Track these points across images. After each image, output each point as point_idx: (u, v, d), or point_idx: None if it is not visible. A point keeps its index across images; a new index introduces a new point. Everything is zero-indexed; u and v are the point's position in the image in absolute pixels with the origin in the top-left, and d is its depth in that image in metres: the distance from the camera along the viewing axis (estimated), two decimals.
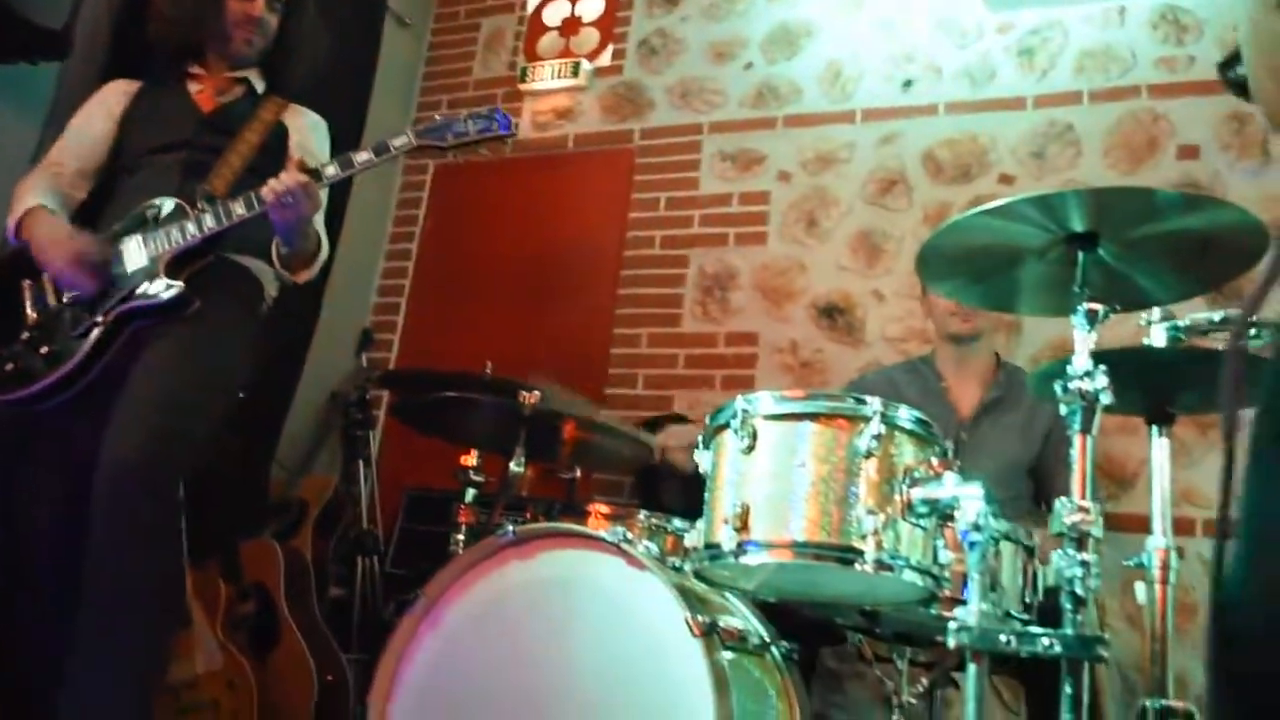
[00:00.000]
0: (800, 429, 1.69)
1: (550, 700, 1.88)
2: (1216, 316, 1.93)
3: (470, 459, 2.65)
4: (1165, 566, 1.88)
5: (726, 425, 1.77)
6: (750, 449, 1.71)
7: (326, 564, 3.69)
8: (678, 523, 2.31)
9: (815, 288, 3.76)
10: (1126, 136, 3.51)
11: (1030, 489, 2.84)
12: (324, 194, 2.37)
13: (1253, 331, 1.86)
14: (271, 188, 2.23)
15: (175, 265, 2.29)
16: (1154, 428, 1.97)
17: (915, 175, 3.77)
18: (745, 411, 1.72)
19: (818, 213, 3.86)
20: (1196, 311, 1.99)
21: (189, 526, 2.20)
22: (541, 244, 4.26)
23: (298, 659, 3.07)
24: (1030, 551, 2.03)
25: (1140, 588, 2.04)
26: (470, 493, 2.64)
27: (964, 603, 1.57)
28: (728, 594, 2.07)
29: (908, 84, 3.87)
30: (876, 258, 3.73)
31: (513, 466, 2.42)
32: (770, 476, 1.68)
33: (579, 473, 3.11)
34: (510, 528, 2.01)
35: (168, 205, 2.31)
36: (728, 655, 1.82)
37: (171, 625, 2.47)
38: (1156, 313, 2.00)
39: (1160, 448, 1.96)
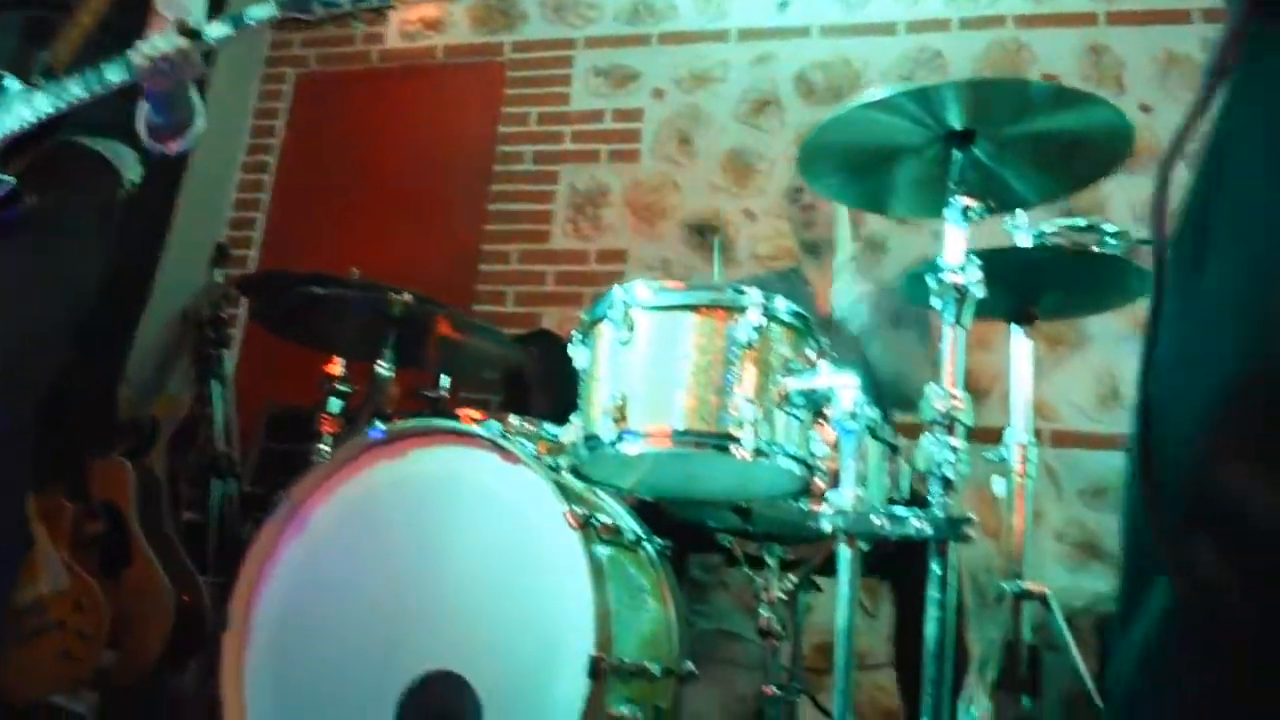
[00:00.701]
0: (679, 319, 1.68)
1: (424, 600, 1.84)
2: (1081, 222, 2.00)
3: (335, 367, 2.57)
4: (1024, 459, 1.96)
5: (604, 318, 1.74)
6: (629, 340, 1.69)
7: (179, 485, 3.54)
8: (550, 427, 2.29)
9: (687, 205, 3.76)
10: (993, 64, 3.59)
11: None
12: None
13: (1109, 236, 1.94)
14: (145, 53, 1.94)
15: (7, 155, 2.05)
16: (1015, 327, 2.04)
17: (788, 96, 3.78)
18: (624, 303, 1.70)
19: (691, 131, 3.84)
20: (1058, 219, 2.07)
21: (33, 447, 2.04)
22: (408, 158, 4.13)
23: (151, 579, 2.94)
24: (895, 450, 2.08)
25: (999, 482, 2.12)
26: (335, 403, 2.56)
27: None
28: (600, 493, 2.06)
29: (783, 4, 3.87)
30: (748, 177, 3.75)
31: (380, 370, 2.35)
32: (649, 367, 1.67)
33: (447, 391, 3.05)
34: (379, 425, 1.95)
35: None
36: (604, 551, 1.82)
37: (13, 548, 2.30)
38: (1022, 218, 2.06)
39: (1021, 346, 2.02)
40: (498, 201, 3.97)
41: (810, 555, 2.28)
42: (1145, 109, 3.48)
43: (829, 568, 2.41)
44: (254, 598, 1.98)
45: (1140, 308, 3.31)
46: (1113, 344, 3.36)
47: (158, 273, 3.82)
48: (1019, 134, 1.74)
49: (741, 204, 3.72)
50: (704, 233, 3.71)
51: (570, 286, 3.79)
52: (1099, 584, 3.15)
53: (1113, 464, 3.28)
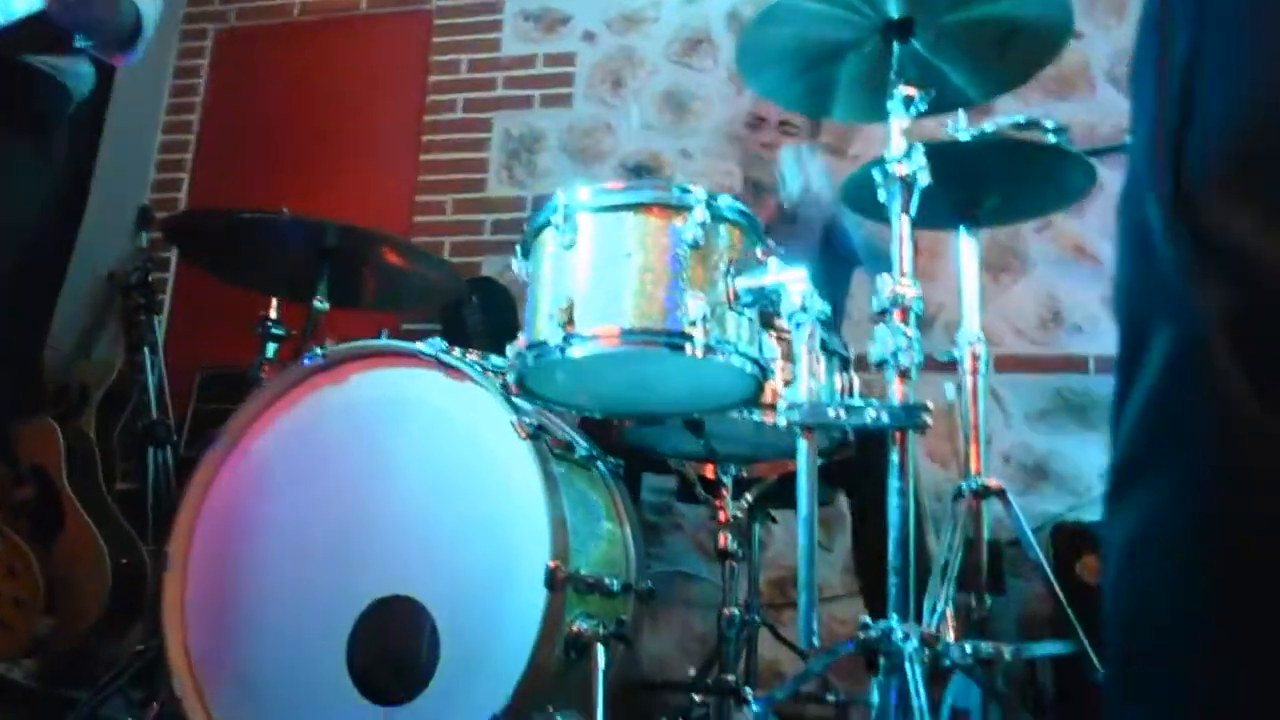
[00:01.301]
0: (624, 220, 1.63)
1: (373, 525, 1.78)
2: (1021, 119, 1.98)
3: (269, 311, 2.48)
4: (975, 358, 1.95)
5: (546, 225, 1.69)
6: (573, 244, 1.64)
7: (113, 454, 3.43)
8: (495, 359, 2.23)
9: (623, 148, 3.71)
10: None
11: None
12: None
13: (1049, 131, 1.93)
14: None
15: None
16: (962, 228, 2.02)
17: (720, 35, 3.74)
18: (567, 206, 1.65)
19: (624, 73, 3.79)
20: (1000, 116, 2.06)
21: None
22: (336, 113, 4.02)
23: (86, 543, 2.85)
24: (846, 363, 2.06)
25: (949, 387, 2.11)
26: (271, 347, 2.48)
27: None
28: (550, 415, 2.01)
29: None
30: (683, 117, 3.70)
31: (316, 304, 2.27)
32: (595, 269, 1.62)
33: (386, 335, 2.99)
34: (319, 350, 1.88)
35: None
36: (557, 467, 1.77)
37: None
38: (962, 120, 2.04)
39: (968, 247, 2.01)
40: (430, 151, 3.89)
41: (766, 474, 2.26)
42: (1077, 35, 3.48)
43: (785, 495, 2.41)
44: (193, 536, 1.91)
45: (1079, 229, 3.34)
46: (1053, 268, 3.38)
47: (78, 234, 3.67)
48: (957, 21, 1.72)
49: (679, 144, 3.68)
50: (641, 174, 3.67)
51: (508, 234, 3.72)
52: (1049, 505, 3.17)
53: (1056, 386, 3.31)
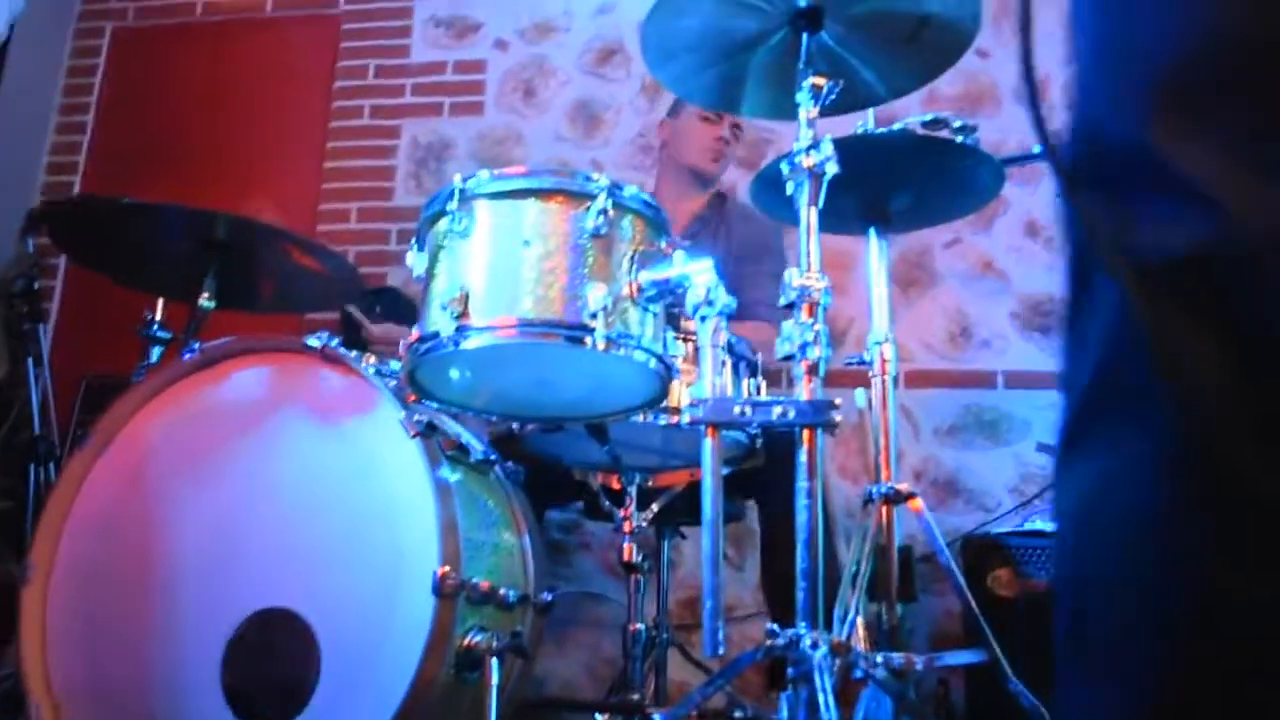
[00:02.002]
0: (523, 207, 1.55)
1: (251, 532, 1.66)
2: (928, 116, 1.95)
3: (154, 312, 2.35)
4: (885, 360, 1.91)
5: (441, 214, 1.60)
6: (468, 232, 1.55)
7: None
8: (394, 364, 2.13)
9: (534, 158, 3.64)
10: None
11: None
12: None
13: (956, 128, 1.90)
14: None
15: None
16: (872, 232, 1.99)
17: (634, 46, 3.70)
18: (463, 191, 1.56)
19: (536, 82, 3.72)
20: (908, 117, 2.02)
21: None
22: (237, 116, 3.87)
23: None
24: (754, 368, 2.00)
25: (860, 394, 2.07)
26: (156, 351, 2.34)
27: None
28: (447, 419, 1.92)
29: None
30: (595, 127, 3.65)
31: (201, 302, 2.14)
32: (492, 258, 1.54)
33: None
34: (196, 345, 1.75)
35: None
36: (450, 472, 1.67)
37: None
38: (870, 119, 2.01)
39: (878, 250, 1.97)
40: (335, 158, 3.77)
41: (673, 484, 2.19)
42: (983, 55, 3.52)
43: (695, 509, 2.34)
44: (58, 547, 1.77)
45: (987, 245, 3.35)
46: (961, 283, 3.39)
47: None
48: (867, 12, 1.69)
49: (589, 154, 3.62)
50: None
51: None
52: (960, 520, 3.16)
53: (966, 401, 3.30)
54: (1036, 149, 2.39)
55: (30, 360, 3.56)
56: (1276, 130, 0.53)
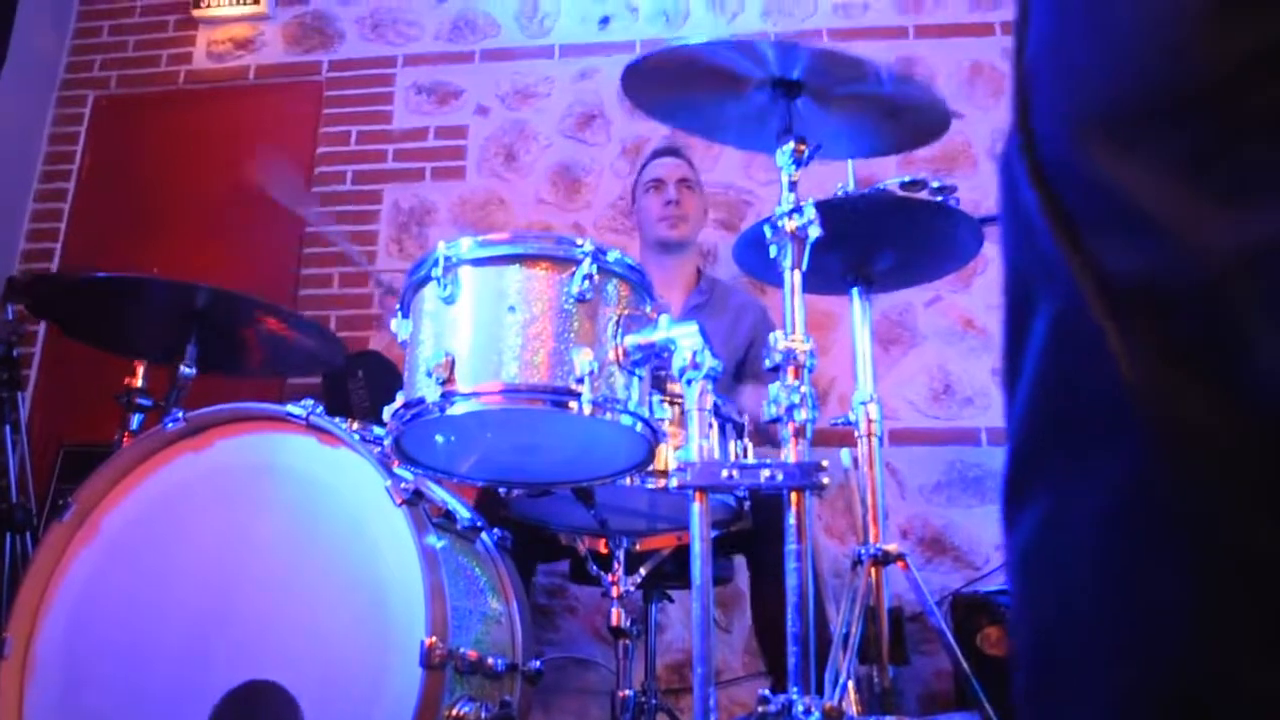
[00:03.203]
0: (508, 273, 1.56)
1: (236, 605, 1.63)
2: (907, 178, 1.98)
3: (136, 379, 2.33)
4: (871, 420, 1.91)
5: (426, 280, 1.60)
6: (453, 298, 1.56)
7: None
8: (377, 430, 2.12)
9: (516, 221, 3.66)
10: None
11: (736, 396, 2.86)
12: None
13: (935, 189, 1.93)
14: None
15: None
16: (855, 292, 2.00)
17: (613, 109, 3.75)
18: (447, 258, 1.57)
19: (516, 147, 3.75)
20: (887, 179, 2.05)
21: None
22: (218, 183, 3.88)
23: None
24: (740, 430, 2.00)
25: (845, 453, 2.07)
26: (136, 418, 2.33)
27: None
28: (432, 484, 1.90)
29: (604, 21, 3.85)
30: (576, 191, 3.68)
31: (182, 369, 2.13)
32: (477, 324, 1.53)
33: None
34: (179, 413, 1.74)
35: None
36: (436, 539, 1.65)
37: None
38: (850, 178, 2.04)
39: (862, 311, 1.99)
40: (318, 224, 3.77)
41: (661, 547, 2.18)
42: (957, 115, 3.57)
43: (682, 572, 2.33)
44: (38, 621, 1.73)
45: (967, 302, 3.38)
46: (943, 341, 3.41)
47: None
48: (845, 94, 1.72)
49: (571, 217, 3.64)
50: None
51: None
52: (947, 579, 3.15)
53: (950, 458, 3.31)
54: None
55: (8, 428, 3.53)
56: (1218, 154, 0.52)
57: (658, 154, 3.05)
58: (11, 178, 3.98)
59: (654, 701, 2.38)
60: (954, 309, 3.42)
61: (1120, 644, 0.52)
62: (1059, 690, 0.55)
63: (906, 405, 3.36)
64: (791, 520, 1.49)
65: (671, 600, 2.77)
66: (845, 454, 2.06)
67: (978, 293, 3.41)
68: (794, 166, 1.65)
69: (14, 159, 3.98)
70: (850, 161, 2.04)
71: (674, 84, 1.79)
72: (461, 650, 1.55)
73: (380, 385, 3.22)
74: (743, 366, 2.84)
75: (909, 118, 1.78)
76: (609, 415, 1.50)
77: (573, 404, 1.48)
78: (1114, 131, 0.54)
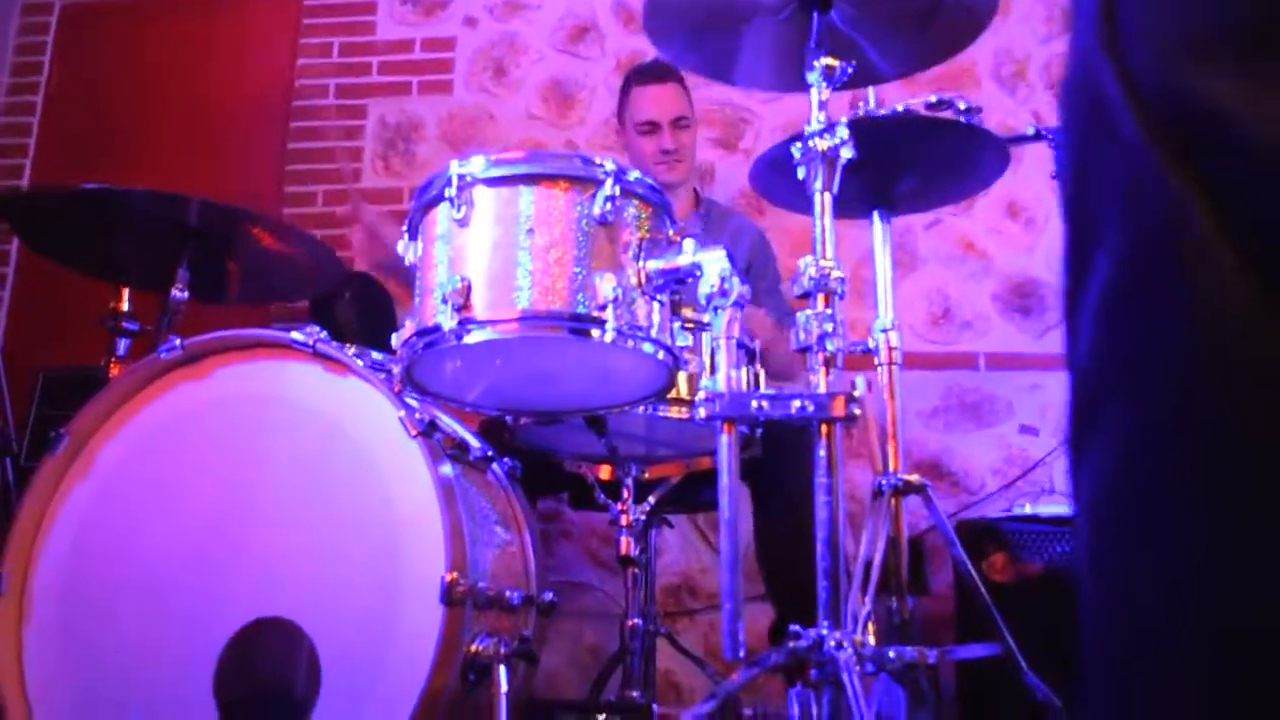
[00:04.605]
0: (525, 193, 1.48)
1: (243, 539, 1.58)
2: (933, 98, 1.90)
3: (121, 302, 2.24)
4: (891, 347, 1.86)
5: (438, 200, 1.52)
6: (467, 220, 1.48)
7: None
8: (375, 354, 2.05)
9: (506, 138, 3.54)
10: None
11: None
12: None
13: (962, 110, 1.85)
14: None
15: None
16: (877, 216, 1.94)
17: (607, 23, 3.61)
18: (461, 177, 1.48)
19: (506, 61, 3.62)
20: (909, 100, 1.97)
21: None
22: (194, 98, 3.73)
23: None
24: (752, 355, 1.95)
25: (860, 381, 2.02)
26: (123, 344, 2.24)
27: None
28: (440, 413, 1.84)
29: None
30: (569, 107, 3.56)
31: (175, 293, 2.03)
32: (493, 247, 1.46)
33: None
34: (176, 340, 1.66)
35: None
36: (451, 470, 1.59)
37: None
38: (874, 100, 1.96)
39: (883, 234, 1.92)
40: (299, 140, 3.64)
41: (669, 475, 2.14)
42: None
43: (684, 497, 2.29)
44: (33, 557, 1.67)
45: (967, 225, 3.32)
46: (943, 265, 3.35)
47: None
48: None
49: (563, 135, 3.53)
50: None
51: None
52: (943, 503, 3.12)
53: (948, 383, 3.28)
54: (1031, 129, 2.35)
55: None
56: None
57: (645, 78, 2.84)
58: None
59: (657, 628, 2.36)
60: (954, 232, 3.36)
61: (1210, 613, 0.47)
62: (1140, 665, 0.51)
63: (904, 329, 3.30)
64: (822, 453, 1.45)
65: (671, 526, 2.75)
66: (860, 381, 2.01)
67: (979, 215, 3.34)
68: (825, 85, 1.57)
69: None
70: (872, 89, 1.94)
71: (698, 15, 1.69)
72: (480, 585, 1.50)
73: (368, 308, 3.14)
74: None
75: (944, 20, 1.69)
76: (631, 344, 1.44)
77: (595, 332, 1.42)
78: (1214, 50, 0.48)
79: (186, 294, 2.03)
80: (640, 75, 2.86)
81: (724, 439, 1.43)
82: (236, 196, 3.49)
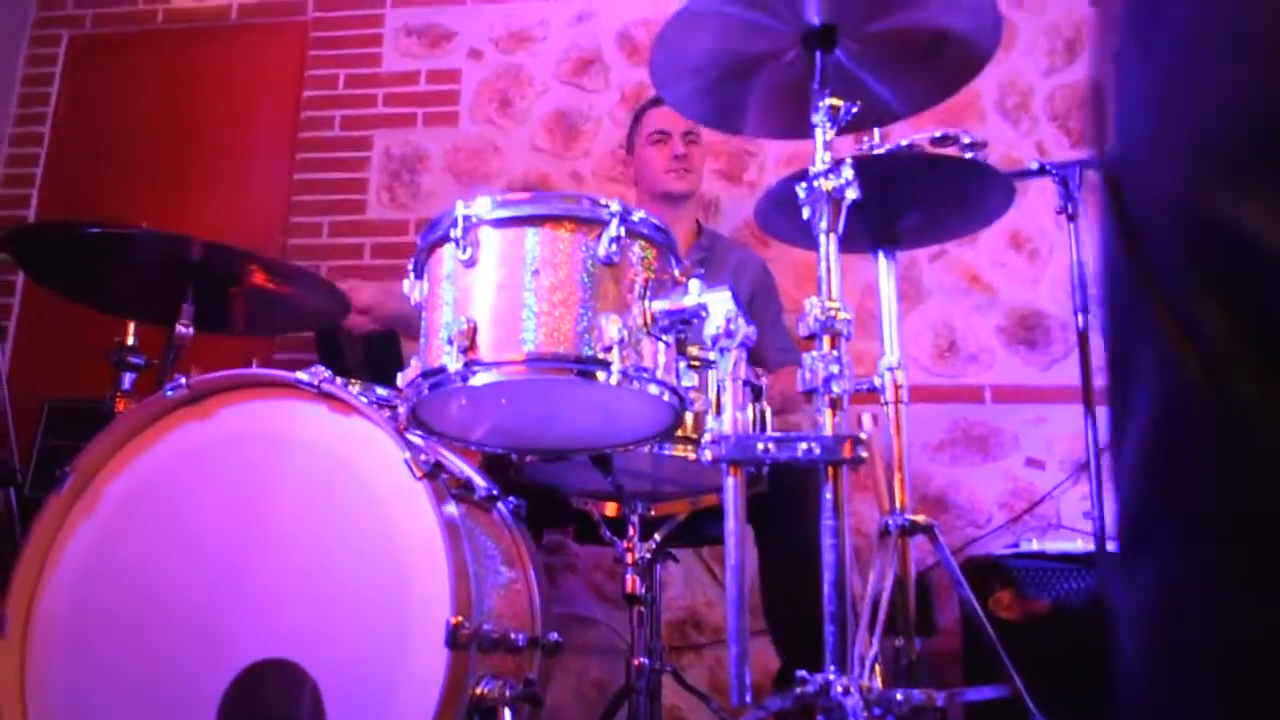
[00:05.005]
0: (530, 234, 1.48)
1: (247, 580, 1.57)
2: (937, 134, 1.91)
3: (126, 337, 2.24)
4: (897, 386, 1.85)
5: (443, 240, 1.52)
6: (473, 260, 1.48)
7: None
8: (379, 390, 2.04)
9: (511, 170, 3.55)
10: None
11: None
12: None
13: (966, 145, 1.86)
14: None
15: None
16: (881, 254, 1.93)
17: (612, 55, 3.63)
18: (466, 218, 1.49)
19: (511, 92, 3.64)
20: (916, 135, 1.98)
21: None
22: (201, 128, 3.75)
23: None
24: (758, 392, 1.94)
25: (866, 419, 2.02)
26: (128, 378, 2.24)
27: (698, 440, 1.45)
28: (445, 450, 1.84)
29: None
30: (574, 138, 3.57)
31: (179, 329, 2.04)
32: (498, 289, 1.46)
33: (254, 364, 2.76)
34: (181, 378, 1.66)
35: None
36: (455, 509, 1.59)
37: None
38: (878, 137, 1.96)
39: (888, 271, 1.92)
40: (304, 171, 3.66)
41: (675, 512, 2.13)
42: None
43: (689, 533, 2.28)
44: (36, 597, 1.66)
45: (973, 258, 3.32)
46: (948, 297, 3.35)
47: None
48: (883, 29, 1.63)
49: (568, 166, 3.54)
50: None
51: (389, 259, 3.52)
52: (949, 537, 3.12)
53: (954, 416, 3.27)
54: (1035, 164, 2.35)
55: None
56: None
57: (656, 101, 2.92)
58: None
59: (663, 665, 2.35)
60: (959, 264, 3.36)
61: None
62: None
63: (910, 362, 3.31)
64: (828, 496, 1.44)
65: (677, 561, 2.74)
66: (867, 419, 2.01)
67: (984, 247, 3.35)
68: (830, 125, 1.57)
69: None
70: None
71: (702, 62, 1.70)
72: (485, 628, 1.49)
73: (374, 338, 3.14)
74: None
75: (951, 51, 1.69)
76: (636, 385, 1.44)
77: (600, 374, 1.41)
78: (1240, 169, 0.48)
79: (191, 329, 2.03)
80: (651, 101, 2.91)
81: (730, 482, 1.42)
82: (244, 228, 3.54)
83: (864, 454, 1.44)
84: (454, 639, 1.40)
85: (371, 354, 3.02)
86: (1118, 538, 0.57)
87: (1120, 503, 0.56)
